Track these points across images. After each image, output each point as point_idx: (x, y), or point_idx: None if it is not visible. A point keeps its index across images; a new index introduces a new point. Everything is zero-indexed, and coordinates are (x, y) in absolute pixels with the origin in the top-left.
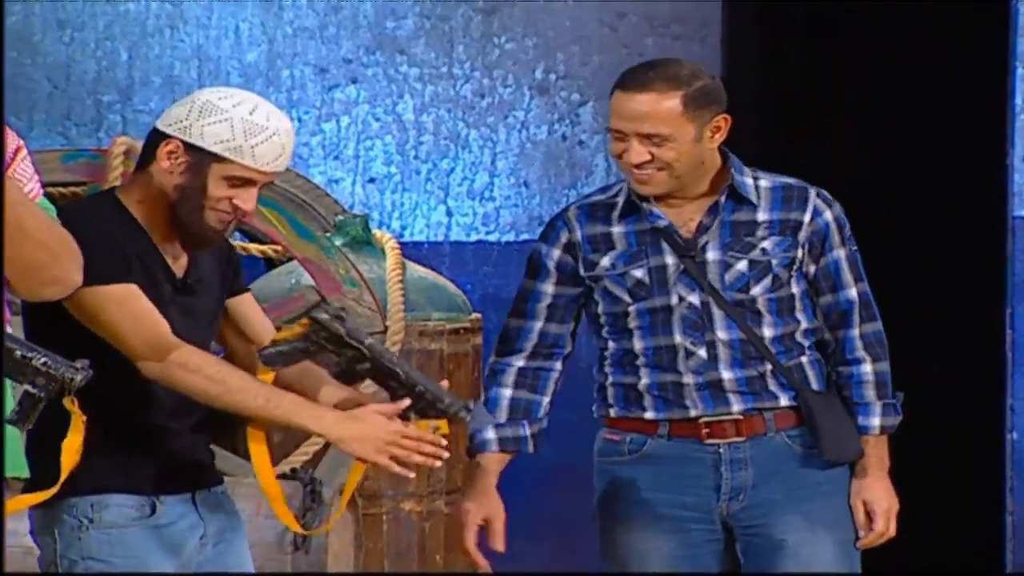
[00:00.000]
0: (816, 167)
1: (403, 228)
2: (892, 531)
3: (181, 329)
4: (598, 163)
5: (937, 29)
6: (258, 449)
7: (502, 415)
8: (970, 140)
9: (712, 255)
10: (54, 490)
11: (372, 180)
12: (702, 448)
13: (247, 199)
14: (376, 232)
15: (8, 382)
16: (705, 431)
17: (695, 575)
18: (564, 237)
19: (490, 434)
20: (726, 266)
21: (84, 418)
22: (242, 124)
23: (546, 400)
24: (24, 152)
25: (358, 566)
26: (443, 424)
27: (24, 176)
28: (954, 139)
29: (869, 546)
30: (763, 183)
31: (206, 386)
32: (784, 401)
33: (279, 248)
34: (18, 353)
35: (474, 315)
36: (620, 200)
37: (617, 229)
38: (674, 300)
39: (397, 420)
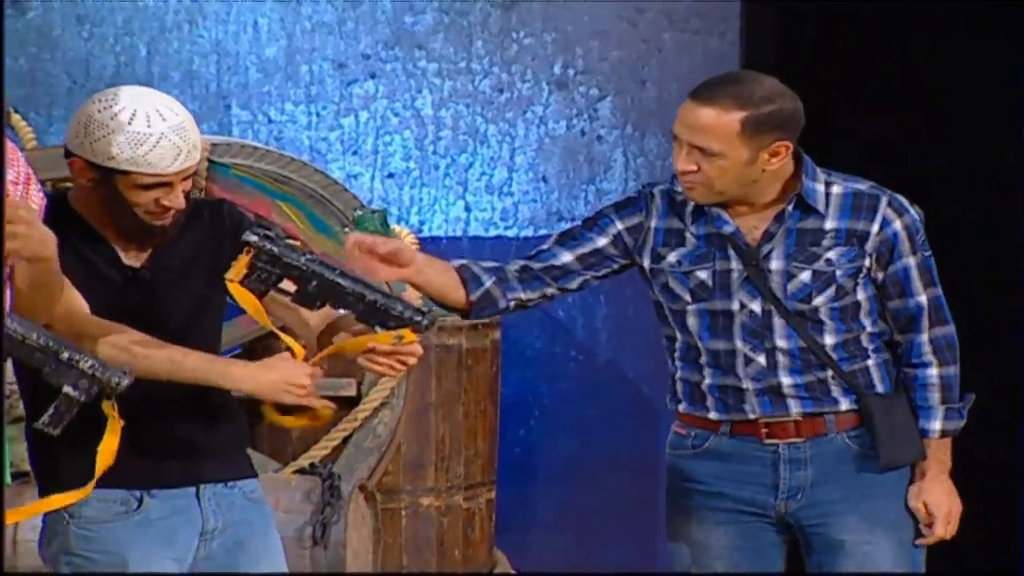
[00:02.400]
0: (836, 163)
1: (422, 223)
2: (950, 534)
3: (147, 320)
4: (616, 158)
5: (957, 23)
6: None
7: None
8: (990, 131)
9: (775, 264)
10: (76, 495)
11: (391, 175)
12: (762, 447)
13: (172, 198)
14: (395, 227)
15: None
16: (764, 431)
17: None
18: (637, 218)
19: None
20: (789, 276)
21: (122, 423)
22: (124, 137)
23: (521, 293)
24: (34, 178)
25: (376, 561)
26: (406, 333)
27: (36, 200)
28: (976, 130)
29: (926, 544)
30: (835, 189)
31: (113, 355)
32: (845, 405)
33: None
34: (65, 355)
35: None
36: (691, 200)
37: (690, 229)
38: (735, 306)
39: (303, 365)
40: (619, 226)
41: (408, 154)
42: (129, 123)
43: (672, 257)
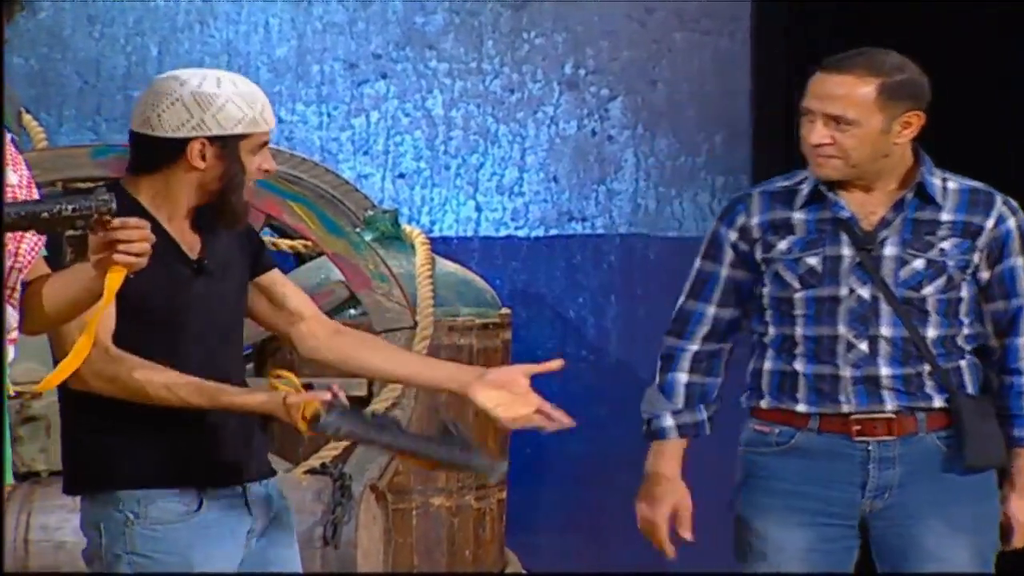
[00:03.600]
0: None
1: (432, 223)
2: None
3: (207, 310)
4: (627, 158)
5: (958, 24)
6: None
7: (679, 401)
8: (990, 131)
9: (889, 250)
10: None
11: (401, 175)
12: (851, 444)
13: (268, 159)
14: (405, 227)
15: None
16: (856, 428)
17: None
18: (741, 220)
19: (668, 421)
20: (902, 263)
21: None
22: (241, 99)
23: (719, 380)
24: (33, 182)
25: (387, 561)
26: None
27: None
28: (975, 130)
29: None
30: (951, 185)
31: (158, 394)
32: (938, 403)
33: (309, 243)
34: (44, 214)
35: (503, 310)
36: (805, 188)
37: (798, 216)
38: (843, 292)
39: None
40: (732, 237)
41: (419, 154)
42: (234, 86)
43: (783, 244)
